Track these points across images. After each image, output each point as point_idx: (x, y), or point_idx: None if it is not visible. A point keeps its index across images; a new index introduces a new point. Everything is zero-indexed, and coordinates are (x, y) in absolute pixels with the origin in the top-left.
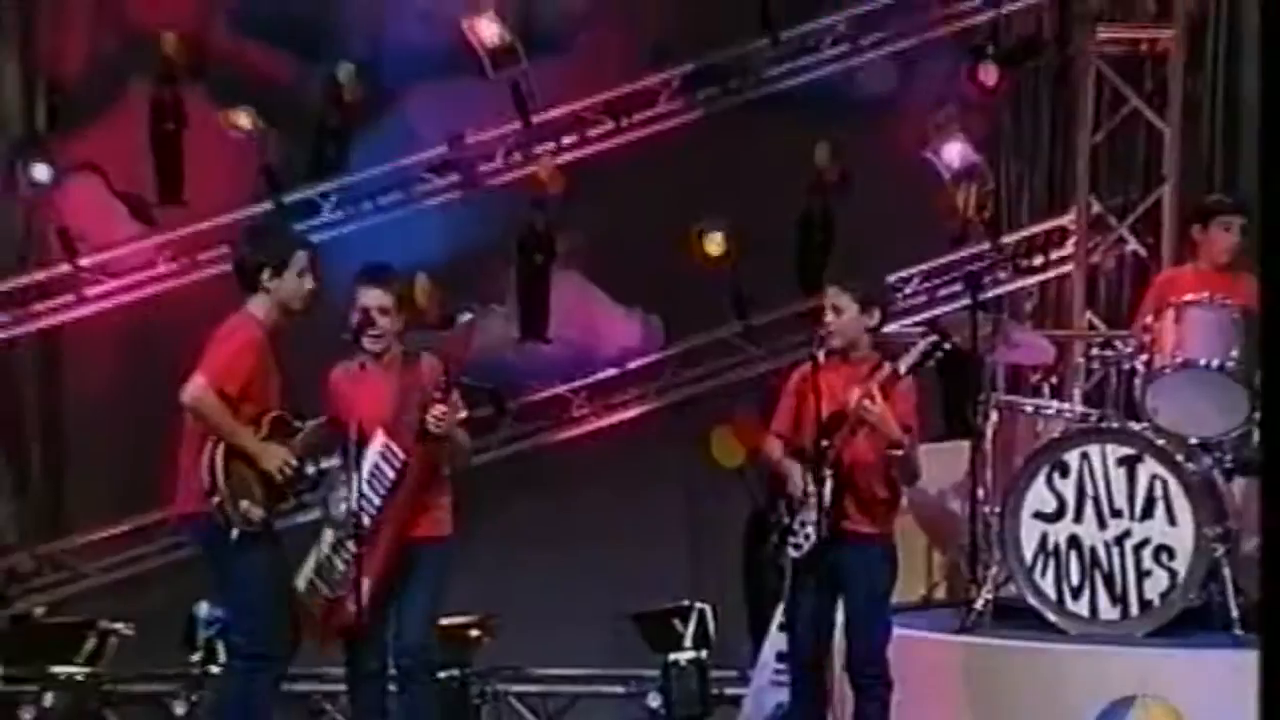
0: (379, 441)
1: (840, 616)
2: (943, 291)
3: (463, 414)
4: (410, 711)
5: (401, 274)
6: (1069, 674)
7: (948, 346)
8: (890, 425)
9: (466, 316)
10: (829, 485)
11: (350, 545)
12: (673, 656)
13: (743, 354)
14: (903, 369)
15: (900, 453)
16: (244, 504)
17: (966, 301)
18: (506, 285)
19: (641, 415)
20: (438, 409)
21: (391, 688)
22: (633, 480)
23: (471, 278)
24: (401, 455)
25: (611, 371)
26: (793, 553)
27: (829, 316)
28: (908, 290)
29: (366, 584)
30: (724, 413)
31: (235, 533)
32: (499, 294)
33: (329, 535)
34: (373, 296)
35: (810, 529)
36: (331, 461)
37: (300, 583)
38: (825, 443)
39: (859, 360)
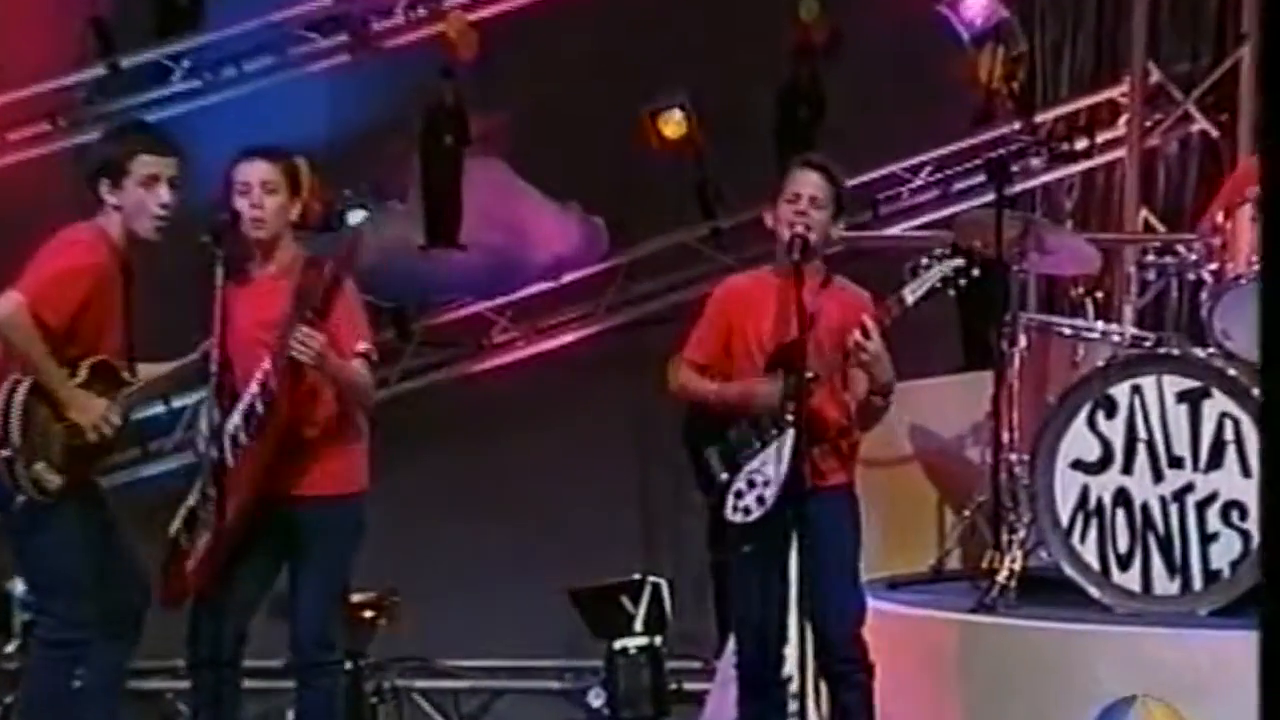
0: (261, 370)
1: (792, 591)
2: (959, 184)
3: (362, 345)
4: (309, 717)
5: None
6: (1113, 662)
7: (976, 273)
8: (885, 368)
9: (357, 216)
10: (789, 434)
11: (212, 494)
12: (619, 643)
13: (710, 263)
14: (910, 298)
15: (883, 403)
16: (38, 466)
17: (989, 197)
18: (408, 176)
19: (582, 341)
20: (303, 330)
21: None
22: (571, 423)
23: (363, 166)
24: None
25: (543, 286)
26: (739, 517)
27: (804, 205)
28: (916, 182)
29: (203, 542)
30: (687, 338)
31: (20, 500)
32: (399, 187)
33: (198, 481)
34: (257, 170)
35: (764, 488)
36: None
37: (171, 532)
38: (810, 378)
39: (812, 273)
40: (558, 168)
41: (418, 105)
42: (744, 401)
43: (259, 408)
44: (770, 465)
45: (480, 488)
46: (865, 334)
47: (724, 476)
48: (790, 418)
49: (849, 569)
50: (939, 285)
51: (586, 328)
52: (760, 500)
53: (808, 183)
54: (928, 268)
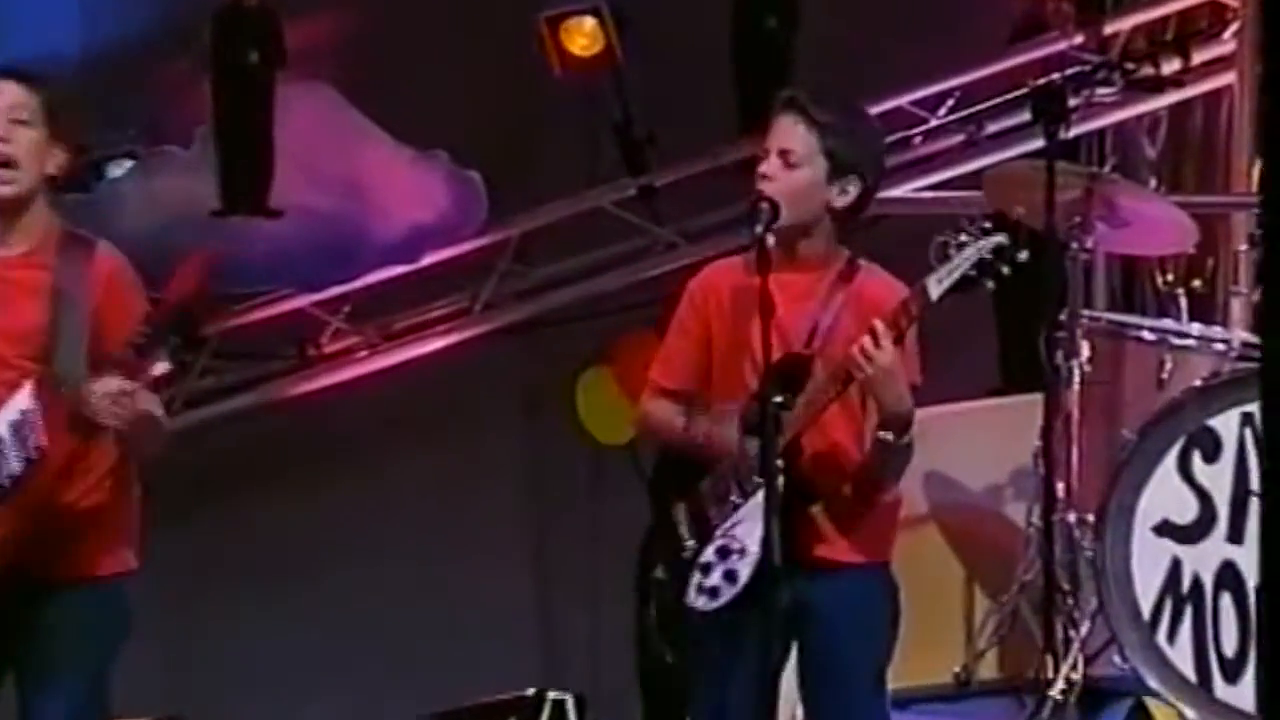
0: (25, 394)
1: (798, 709)
2: (994, 125)
3: (160, 367)
4: None
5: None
6: None
7: (1023, 256)
8: (898, 388)
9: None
10: (779, 482)
11: None
12: None
13: (638, 237)
14: (935, 290)
15: (902, 439)
16: None
17: (1037, 142)
18: (194, 110)
19: (452, 350)
20: (115, 386)
21: None
22: (435, 469)
23: (129, 96)
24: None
25: (395, 270)
26: (704, 603)
27: (769, 168)
28: (933, 121)
29: None
30: (602, 342)
31: None
32: (180, 127)
33: None
34: (5, 93)
35: (737, 559)
36: None
37: None
38: (777, 405)
39: (812, 261)
40: (416, 100)
41: (206, 9)
42: (715, 441)
43: (12, 463)
44: (748, 528)
45: (300, 565)
46: (875, 340)
47: (691, 544)
48: (779, 461)
49: (863, 684)
50: (973, 273)
51: (458, 331)
52: (730, 577)
53: (777, 132)
54: (960, 247)
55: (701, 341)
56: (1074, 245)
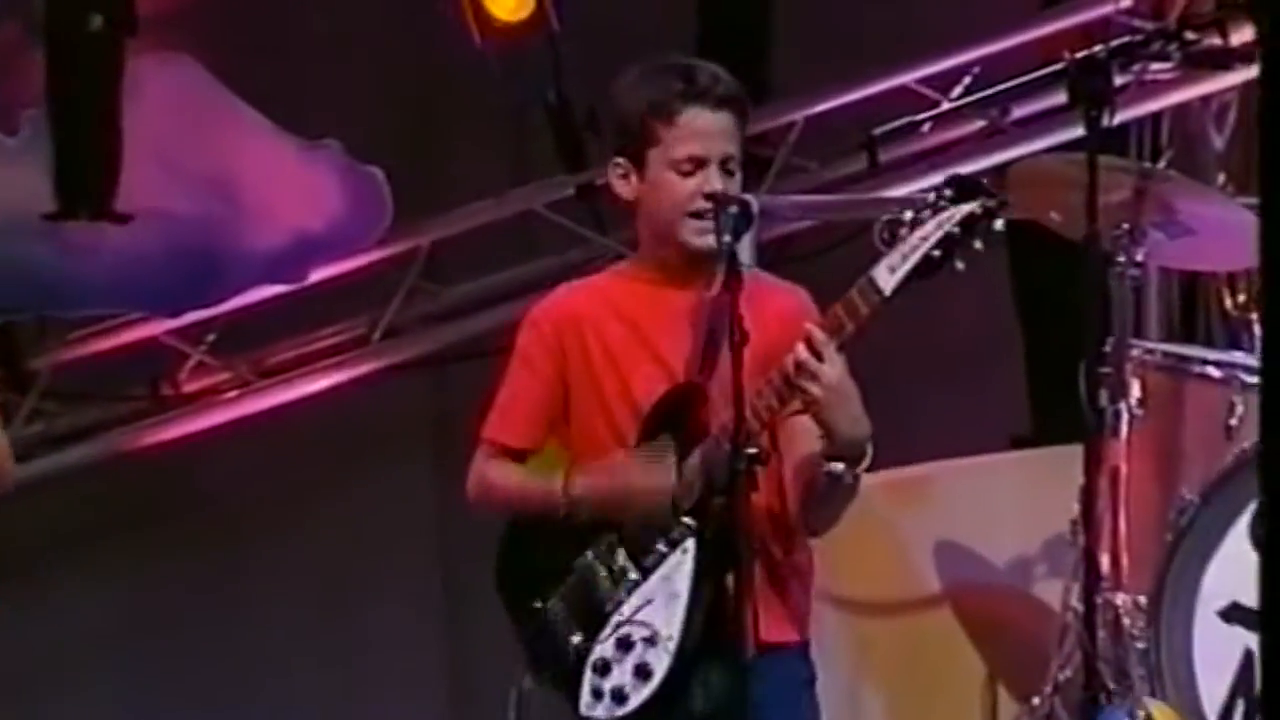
0: None
1: None
2: (1022, 109)
3: None
4: None
5: None
6: None
7: (999, 225)
8: (848, 411)
9: None
10: (690, 548)
11: None
12: None
13: (579, 248)
14: (888, 282)
15: (849, 475)
16: None
17: (1075, 130)
18: (23, 87)
19: (347, 386)
20: None
21: None
22: (326, 530)
23: None
24: None
25: (277, 290)
26: (605, 711)
27: (714, 183)
28: (945, 104)
29: None
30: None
31: None
32: (6, 107)
33: None
34: None
35: (647, 650)
36: None
37: None
38: (751, 456)
39: (693, 267)
40: (300, 77)
41: None
42: (611, 497)
43: None
44: (659, 608)
45: (150, 659)
46: (812, 349)
47: (576, 640)
48: (689, 520)
49: None
50: (937, 254)
51: (353, 365)
52: (642, 674)
53: (717, 134)
54: (916, 224)
55: (553, 386)
56: (1121, 259)
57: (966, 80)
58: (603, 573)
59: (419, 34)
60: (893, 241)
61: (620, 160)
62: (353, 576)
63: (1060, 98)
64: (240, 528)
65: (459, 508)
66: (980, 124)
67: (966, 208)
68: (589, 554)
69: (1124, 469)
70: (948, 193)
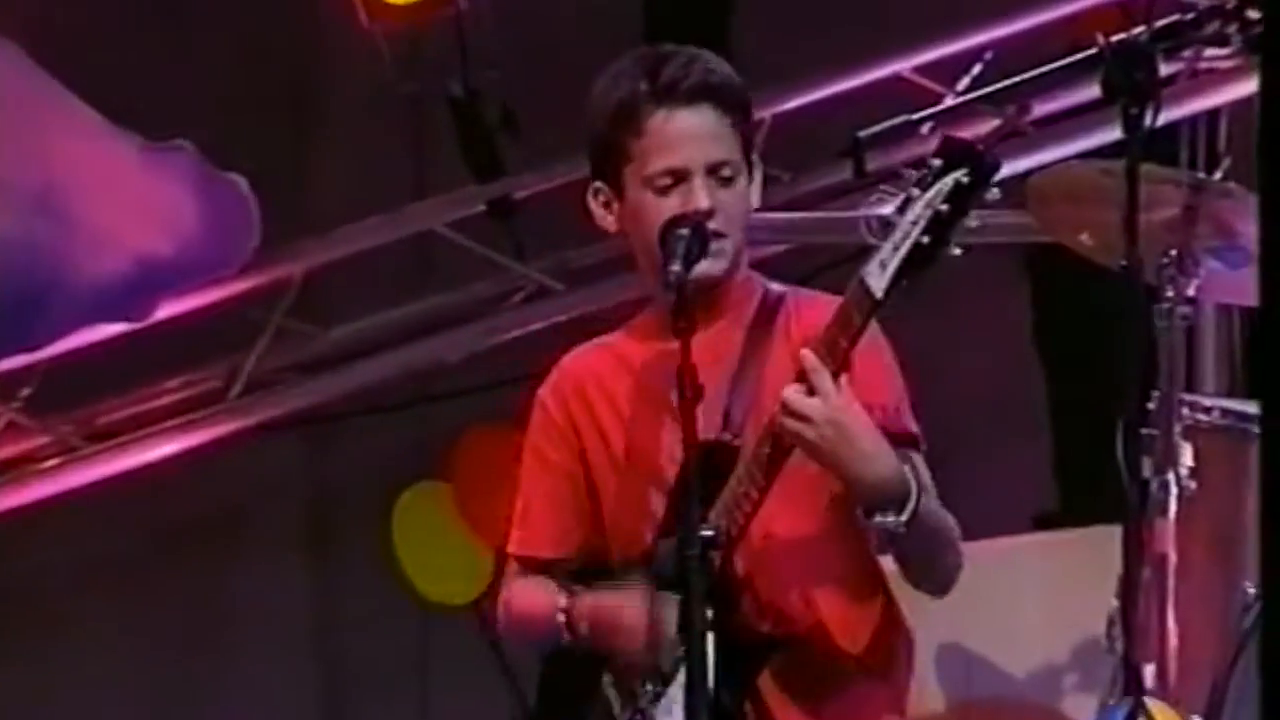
0: None
1: None
2: (1045, 104)
3: None
4: None
5: None
6: None
7: (994, 193)
8: (861, 444)
9: None
10: (708, 643)
11: None
12: None
13: (488, 276)
14: (878, 282)
15: (902, 517)
16: None
17: (1110, 131)
18: None
19: (198, 453)
20: None
21: None
22: (169, 627)
23: None
24: None
25: (114, 330)
26: None
27: (700, 196)
28: (948, 100)
29: None
30: (432, 443)
31: None
32: None
33: None
34: None
35: None
36: None
37: None
38: (706, 539)
39: (730, 304)
40: (144, 67)
41: None
42: (607, 619)
43: None
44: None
45: None
46: (807, 384)
47: None
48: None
49: None
50: (926, 239)
51: (207, 426)
52: None
53: (694, 138)
54: (905, 208)
55: (573, 474)
56: (1169, 293)
57: (976, 69)
58: (624, 692)
59: (291, 13)
60: (885, 230)
61: (598, 185)
62: (203, 690)
63: (1093, 91)
64: (59, 628)
65: (339, 604)
66: (993, 123)
67: (952, 177)
68: (609, 674)
69: (1173, 555)
70: (936, 163)
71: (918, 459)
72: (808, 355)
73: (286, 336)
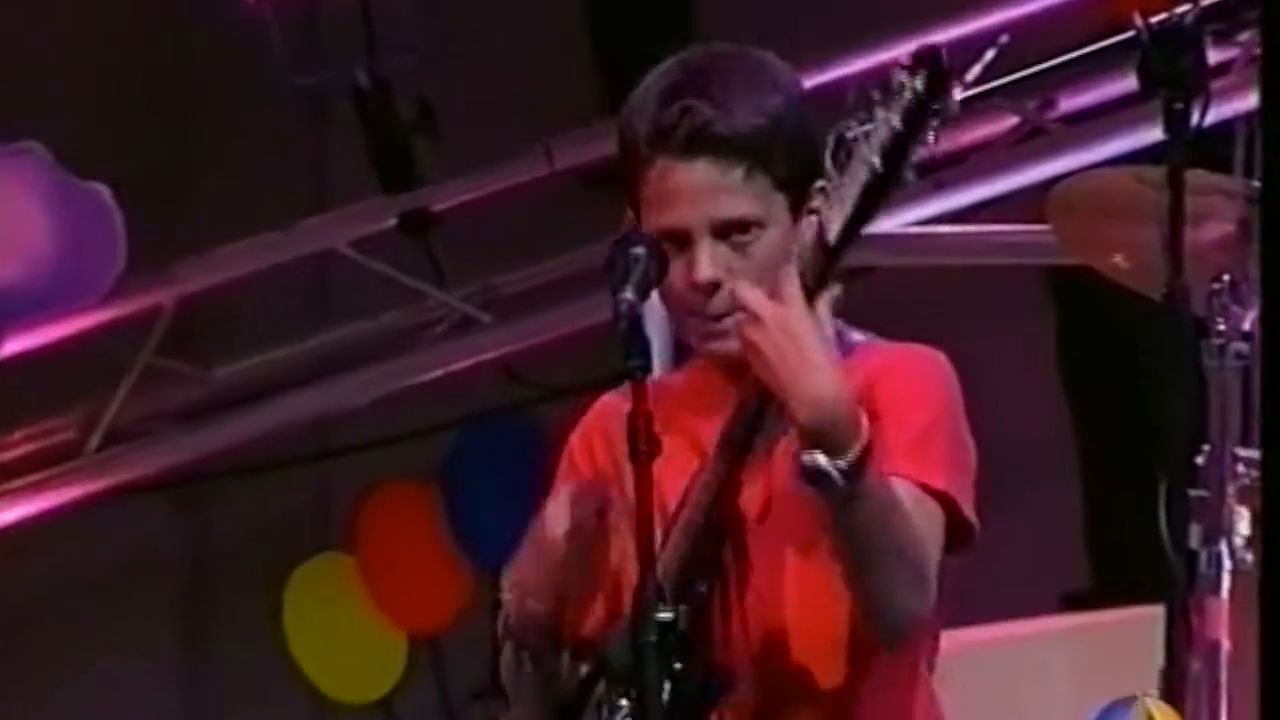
0: None
1: None
2: (1070, 99)
3: None
4: None
5: None
6: None
7: (954, 107)
8: (805, 353)
9: None
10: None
11: None
12: None
13: (401, 305)
14: (835, 220)
15: (836, 462)
16: None
17: (1150, 130)
18: None
19: (50, 517)
20: None
21: None
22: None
23: None
24: None
25: None
26: None
27: (711, 269)
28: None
29: None
30: (333, 507)
31: None
32: None
33: None
34: None
35: None
36: None
37: None
38: (665, 622)
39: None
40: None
41: None
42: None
43: None
44: None
45: None
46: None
47: None
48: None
49: None
50: (878, 165)
51: (61, 487)
52: None
53: (696, 195)
54: (866, 135)
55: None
56: (1221, 326)
57: (988, 56)
58: None
59: None
60: (844, 160)
61: (632, 215)
62: None
63: (1129, 83)
64: None
65: (216, 701)
66: (1011, 121)
67: (909, 92)
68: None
69: (1226, 643)
70: (901, 77)
71: (931, 508)
72: (788, 265)
73: (157, 378)
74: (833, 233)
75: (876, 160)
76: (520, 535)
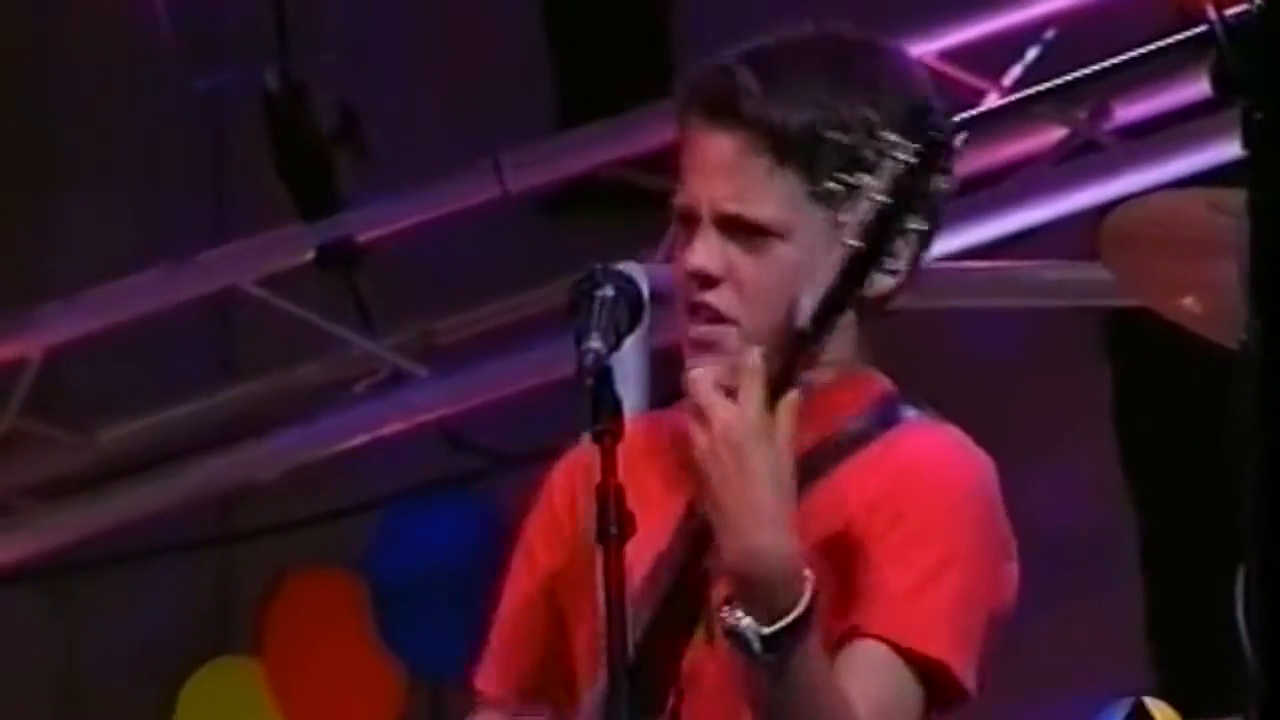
0: None
1: None
2: (1129, 108)
3: None
4: None
5: None
6: None
7: (942, 184)
8: (747, 490)
9: None
10: None
11: None
12: None
13: (328, 355)
14: (804, 309)
15: (758, 628)
16: None
17: (1229, 149)
18: None
19: None
20: None
21: None
22: None
23: None
24: None
25: None
26: None
27: (707, 257)
28: (996, 96)
29: None
30: (235, 602)
31: None
32: None
33: None
34: None
35: None
36: None
37: None
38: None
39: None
40: None
41: None
42: None
43: None
44: None
45: None
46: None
47: None
48: None
49: None
50: (857, 248)
51: None
52: None
53: (701, 166)
54: (854, 198)
55: (549, 592)
56: None
57: (1031, 54)
58: None
59: None
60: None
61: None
62: None
63: (1200, 87)
64: None
65: None
66: (1058, 133)
67: (898, 155)
68: None
69: None
70: (890, 137)
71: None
72: (753, 352)
73: (22, 443)
74: (803, 315)
75: (854, 237)
76: (462, 633)
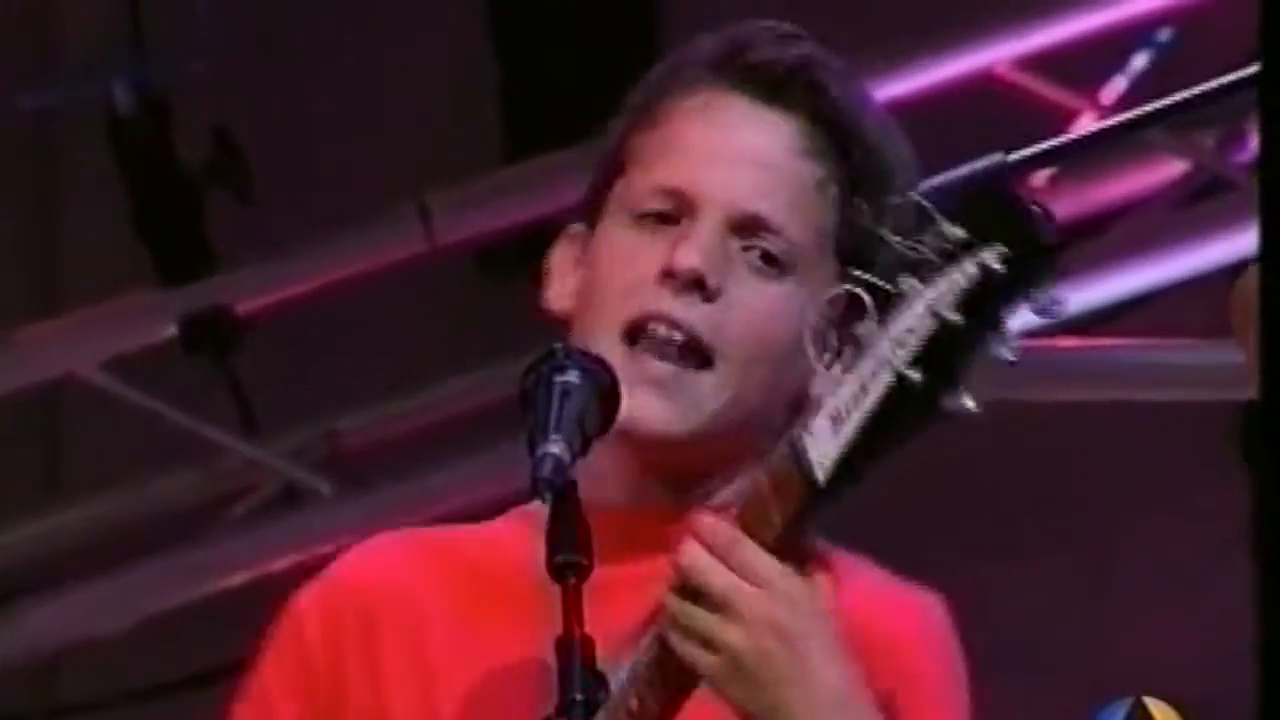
0: None
1: None
2: (1243, 152)
3: None
4: None
5: None
6: None
7: (1057, 304)
8: (771, 686)
9: None
10: None
11: None
12: None
13: (199, 468)
14: (825, 457)
15: None
16: None
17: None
18: None
19: None
20: None
21: None
22: None
23: None
24: None
25: None
26: None
27: (699, 253)
28: (1087, 121)
29: None
30: None
31: None
32: None
33: None
34: None
35: None
36: None
37: None
38: None
39: (686, 502)
40: None
41: None
42: None
43: None
44: None
45: None
46: (696, 571)
47: None
48: None
49: None
50: (914, 379)
51: None
52: None
53: (734, 148)
54: (889, 306)
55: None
56: None
57: (1137, 63)
58: None
59: None
60: (848, 356)
61: (577, 227)
62: None
63: None
64: None
65: None
66: (1177, 167)
67: (974, 262)
68: None
69: None
70: (955, 232)
71: None
72: (711, 528)
73: None
74: (823, 466)
75: (917, 375)
76: None
